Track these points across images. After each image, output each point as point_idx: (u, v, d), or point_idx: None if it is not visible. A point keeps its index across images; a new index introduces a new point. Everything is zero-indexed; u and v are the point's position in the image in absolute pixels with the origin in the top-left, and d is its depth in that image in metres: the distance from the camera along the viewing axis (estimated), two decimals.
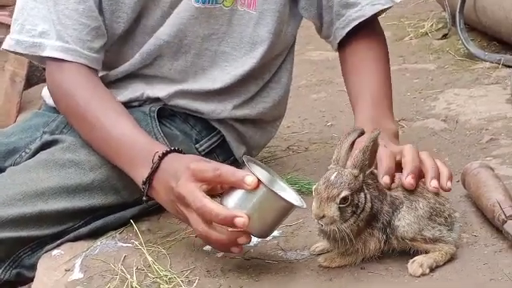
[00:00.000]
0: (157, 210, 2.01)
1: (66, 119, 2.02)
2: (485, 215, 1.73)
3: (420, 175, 1.60)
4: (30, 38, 1.96)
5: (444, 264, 1.57)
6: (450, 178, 1.62)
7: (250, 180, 1.55)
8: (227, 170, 1.59)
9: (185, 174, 1.62)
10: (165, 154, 1.72)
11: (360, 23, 2.03)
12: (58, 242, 1.90)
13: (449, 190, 1.60)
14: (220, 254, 1.75)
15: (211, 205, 1.55)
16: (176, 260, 1.75)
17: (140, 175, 1.75)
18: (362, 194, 1.55)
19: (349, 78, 2.05)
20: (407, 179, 1.57)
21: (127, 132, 1.84)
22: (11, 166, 2.03)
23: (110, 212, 1.95)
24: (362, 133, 1.62)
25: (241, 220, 1.53)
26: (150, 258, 1.74)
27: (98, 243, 1.89)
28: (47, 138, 2.04)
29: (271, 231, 1.63)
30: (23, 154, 2.05)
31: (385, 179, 1.59)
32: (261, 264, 1.69)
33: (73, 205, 1.90)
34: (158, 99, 2.07)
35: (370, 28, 2.07)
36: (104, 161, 1.92)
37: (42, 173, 1.91)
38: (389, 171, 1.60)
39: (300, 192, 2.01)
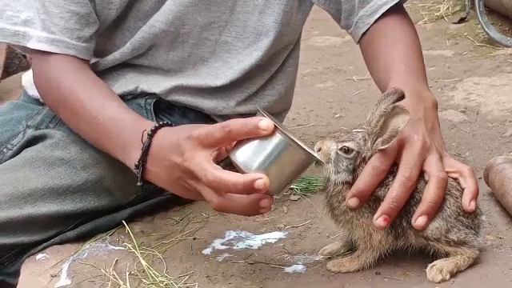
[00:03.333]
0: (150, 210, 2.01)
1: (56, 113, 2.01)
2: (510, 215, 1.73)
3: (435, 213, 1.55)
4: (11, 26, 1.94)
5: (466, 268, 1.57)
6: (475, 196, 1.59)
7: (264, 124, 1.46)
8: (237, 123, 1.51)
9: (189, 144, 1.55)
10: (154, 131, 1.68)
11: (387, 11, 1.99)
12: (43, 245, 1.90)
13: (471, 211, 1.58)
14: (221, 258, 1.75)
15: (225, 176, 1.48)
16: (172, 264, 1.75)
17: (133, 160, 1.71)
18: (361, 170, 1.56)
19: (377, 57, 1.97)
20: (417, 221, 1.54)
21: (114, 114, 1.81)
22: None
23: (102, 215, 1.94)
24: (402, 96, 1.59)
25: (261, 182, 1.45)
26: (144, 263, 1.74)
27: (87, 246, 1.88)
28: (32, 132, 2.02)
29: (286, 187, 1.55)
30: (5, 150, 2.04)
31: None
32: (265, 269, 1.69)
33: (63, 208, 1.89)
34: (153, 94, 2.05)
35: (397, 13, 2.04)
36: (97, 159, 1.92)
37: (28, 172, 1.89)
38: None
39: (307, 190, 2.03)
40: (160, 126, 1.69)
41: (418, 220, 1.54)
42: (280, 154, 1.48)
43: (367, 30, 2.03)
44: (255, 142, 1.49)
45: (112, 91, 1.92)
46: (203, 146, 1.53)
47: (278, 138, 1.47)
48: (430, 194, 1.54)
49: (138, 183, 1.71)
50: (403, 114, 1.53)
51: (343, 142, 1.57)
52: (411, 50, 1.93)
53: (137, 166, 1.70)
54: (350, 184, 1.58)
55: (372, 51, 2.01)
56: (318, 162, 1.57)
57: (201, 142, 1.53)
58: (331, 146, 1.58)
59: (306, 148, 1.49)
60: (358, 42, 2.08)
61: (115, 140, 1.78)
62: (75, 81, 1.91)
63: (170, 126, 1.71)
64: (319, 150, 1.59)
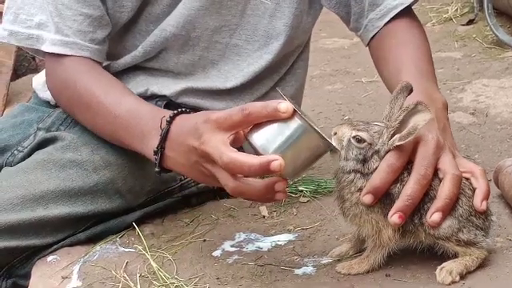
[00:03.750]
0: (160, 212, 2.02)
1: (69, 112, 2.02)
2: None
3: (449, 210, 1.56)
4: (25, 30, 1.96)
5: (476, 270, 1.57)
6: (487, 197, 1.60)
7: (284, 106, 1.47)
8: (256, 106, 1.51)
9: (206, 127, 1.55)
10: (173, 118, 1.68)
11: (396, 14, 2.01)
12: (54, 247, 1.90)
13: (482, 211, 1.59)
14: (231, 260, 1.76)
15: (240, 158, 1.48)
16: (183, 266, 1.76)
17: (151, 147, 1.71)
18: (374, 162, 1.57)
19: (386, 59, 1.99)
20: (432, 217, 1.55)
21: (131, 107, 1.82)
22: (3, 165, 2.04)
23: (112, 217, 1.95)
24: (411, 90, 1.62)
25: (277, 163, 1.45)
26: (154, 264, 1.74)
27: (98, 248, 1.89)
28: (43, 135, 2.03)
29: (300, 173, 1.56)
30: (16, 152, 2.05)
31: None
32: (275, 270, 1.69)
33: (75, 210, 1.90)
34: (164, 96, 2.06)
35: (406, 16, 2.05)
36: (108, 161, 1.93)
37: (40, 174, 1.90)
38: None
39: (316, 192, 2.03)
40: (178, 113, 1.69)
41: (434, 216, 1.54)
42: (297, 139, 1.48)
43: (377, 32, 2.04)
44: (273, 126, 1.49)
45: (127, 88, 1.93)
46: (221, 129, 1.53)
47: (296, 122, 1.48)
48: (445, 190, 1.54)
49: (156, 169, 1.71)
50: (425, 112, 1.53)
51: (358, 130, 1.58)
52: (421, 52, 1.95)
53: (155, 152, 1.69)
54: (360, 173, 1.58)
55: (382, 53, 2.02)
56: (334, 150, 1.57)
57: (219, 125, 1.53)
58: (346, 133, 1.59)
59: (323, 135, 1.50)
60: (368, 45, 2.09)
61: (133, 130, 1.79)
62: (90, 79, 1.93)
63: (188, 113, 1.71)
64: (335, 133, 1.60)
